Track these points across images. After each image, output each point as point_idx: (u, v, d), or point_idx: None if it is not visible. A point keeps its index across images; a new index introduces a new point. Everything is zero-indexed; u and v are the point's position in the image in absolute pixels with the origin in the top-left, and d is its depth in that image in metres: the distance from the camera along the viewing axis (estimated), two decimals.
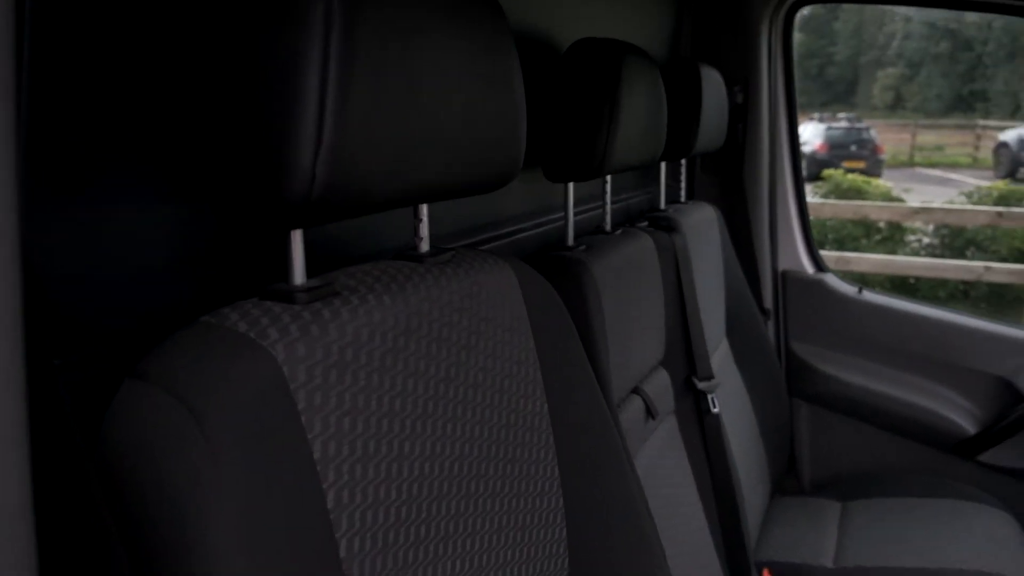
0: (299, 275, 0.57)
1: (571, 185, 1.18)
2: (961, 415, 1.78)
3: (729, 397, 1.54)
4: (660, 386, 1.30)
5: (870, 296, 1.92)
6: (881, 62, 21.43)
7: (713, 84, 1.59)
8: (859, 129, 12.96)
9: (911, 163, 14.31)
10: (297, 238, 0.56)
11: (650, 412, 1.23)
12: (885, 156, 12.73)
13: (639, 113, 1.16)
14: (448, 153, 0.62)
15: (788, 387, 1.92)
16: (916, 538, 1.53)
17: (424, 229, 0.72)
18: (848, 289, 1.93)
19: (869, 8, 21.36)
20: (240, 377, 0.48)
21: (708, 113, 1.54)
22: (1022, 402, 1.69)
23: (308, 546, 0.49)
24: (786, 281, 1.96)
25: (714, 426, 1.42)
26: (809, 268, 1.98)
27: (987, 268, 4.60)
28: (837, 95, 20.56)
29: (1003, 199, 5.82)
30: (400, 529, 0.58)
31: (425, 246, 0.73)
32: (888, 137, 14.51)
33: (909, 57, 21.01)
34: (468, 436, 0.67)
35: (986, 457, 1.75)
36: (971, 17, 20.02)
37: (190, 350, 0.49)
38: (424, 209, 0.72)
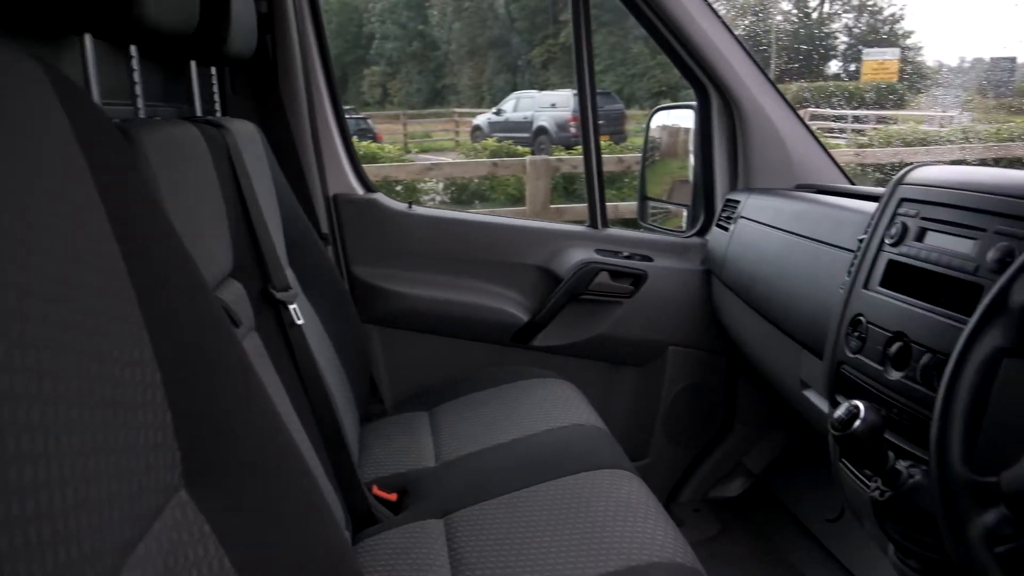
0: None
1: (89, 44, 0.93)
2: (515, 307, 1.93)
3: (305, 329, 1.42)
4: (235, 296, 1.13)
5: (420, 211, 1.96)
6: (366, 61, 22.93)
7: None
8: (358, 119, 13.75)
9: (406, 150, 15.60)
10: None
11: (233, 320, 1.05)
12: (385, 142, 13.69)
13: None
14: None
15: (359, 313, 1.87)
16: (501, 418, 1.60)
17: None
18: (399, 206, 1.94)
19: (348, 11, 22.57)
20: None
21: (237, 9, 1.38)
22: (559, 284, 1.89)
23: None
24: (339, 205, 1.90)
25: (300, 339, 1.30)
26: (359, 189, 1.95)
27: (491, 213, 5.27)
28: None
29: (494, 153, 6.69)
30: None
31: None
32: (384, 128, 15.62)
33: (389, 56, 22.85)
34: (24, 263, 0.44)
35: (539, 340, 1.92)
36: (434, 19, 22.53)
37: None
38: None
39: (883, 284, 1.12)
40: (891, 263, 1.11)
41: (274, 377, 1.19)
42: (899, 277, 1.10)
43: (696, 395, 2.02)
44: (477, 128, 14.68)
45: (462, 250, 1.94)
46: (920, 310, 1.02)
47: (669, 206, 2.25)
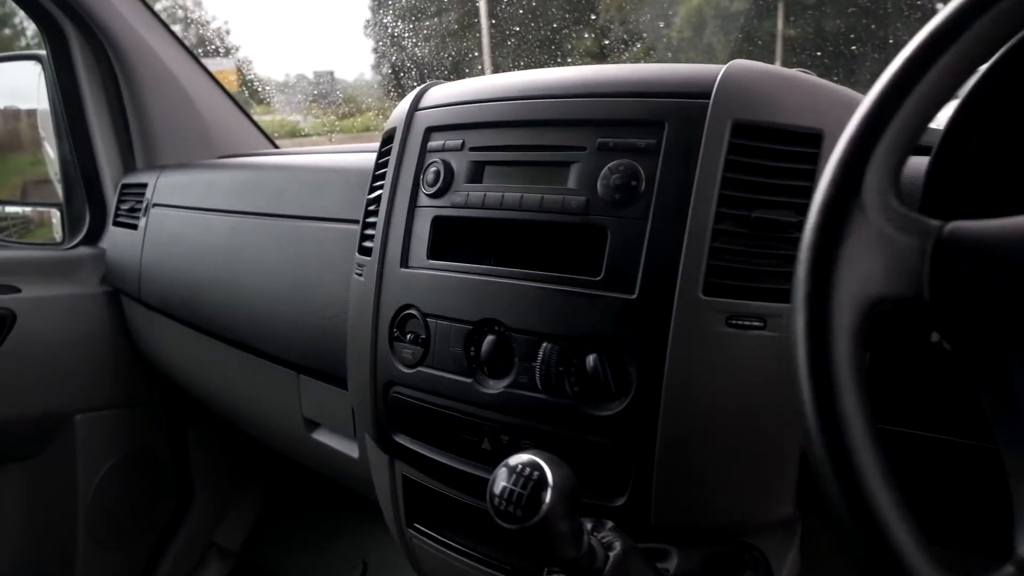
0: None
1: None
2: None
3: None
4: None
5: None
6: None
7: None
8: None
9: None
10: None
11: None
12: None
13: None
14: None
15: None
16: None
17: None
18: None
19: None
20: None
21: None
22: None
23: None
24: None
25: None
26: None
27: None
28: None
29: None
30: None
31: None
32: None
33: None
34: None
35: None
36: None
37: None
38: None
39: (433, 256, 0.74)
40: (438, 222, 0.74)
41: None
42: (458, 241, 0.74)
43: (131, 472, 1.41)
44: None
45: None
46: (512, 280, 0.67)
47: (27, 209, 1.55)
